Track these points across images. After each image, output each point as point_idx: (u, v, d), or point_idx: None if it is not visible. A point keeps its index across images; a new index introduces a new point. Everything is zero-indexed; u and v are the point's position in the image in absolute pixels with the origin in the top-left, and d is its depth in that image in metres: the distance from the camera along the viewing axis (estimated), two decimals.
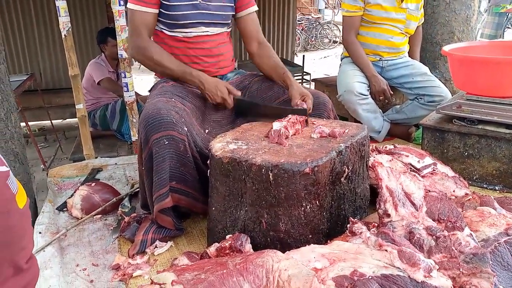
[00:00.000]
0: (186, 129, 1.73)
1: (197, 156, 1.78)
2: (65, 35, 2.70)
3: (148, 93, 2.16)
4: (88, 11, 5.45)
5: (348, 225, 1.39)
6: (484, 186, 2.19)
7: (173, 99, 1.82)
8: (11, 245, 0.97)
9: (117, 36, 2.76)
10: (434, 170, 1.87)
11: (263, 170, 1.45)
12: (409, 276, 1.12)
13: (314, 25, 12.58)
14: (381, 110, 2.93)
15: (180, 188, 1.74)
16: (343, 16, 2.96)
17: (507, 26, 10.60)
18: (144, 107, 1.81)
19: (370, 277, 1.12)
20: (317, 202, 1.49)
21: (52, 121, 4.84)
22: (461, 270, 1.19)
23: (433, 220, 1.38)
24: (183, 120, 1.74)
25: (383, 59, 2.95)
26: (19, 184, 1.00)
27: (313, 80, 4.13)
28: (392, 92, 2.83)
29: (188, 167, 1.74)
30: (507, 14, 9.84)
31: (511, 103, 2.08)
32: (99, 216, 2.03)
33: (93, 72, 3.99)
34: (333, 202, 1.56)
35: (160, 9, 1.95)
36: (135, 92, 2.99)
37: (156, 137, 1.68)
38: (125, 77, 2.84)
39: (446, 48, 2.35)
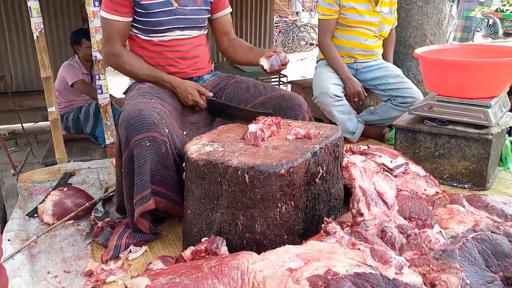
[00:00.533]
0: (167, 130, 1.72)
1: (177, 158, 1.77)
2: (37, 36, 2.64)
3: (123, 95, 2.14)
4: (61, 11, 5.34)
5: (323, 225, 1.41)
6: (454, 184, 2.25)
7: (153, 100, 1.82)
8: None
9: (91, 38, 2.72)
10: (406, 169, 1.91)
11: (239, 172, 1.45)
12: (381, 274, 1.14)
13: (291, 27, 12.67)
14: (355, 112, 2.98)
15: (161, 191, 1.72)
16: (318, 19, 2.99)
17: (476, 29, 10.96)
18: (124, 108, 1.79)
19: (343, 276, 1.13)
20: (293, 203, 1.50)
21: (23, 124, 4.71)
22: (431, 266, 1.22)
23: (405, 218, 1.41)
24: (164, 122, 1.73)
25: (357, 61, 3.00)
26: None
27: (289, 82, 4.16)
28: (366, 94, 2.88)
29: (169, 169, 1.73)
30: (477, 17, 10.15)
31: (479, 104, 2.14)
32: (72, 221, 1.99)
33: (66, 74, 3.90)
34: (308, 203, 1.58)
35: (135, 16, 1.94)
36: (110, 94, 2.94)
37: (138, 139, 1.66)
38: (99, 79, 2.80)
39: (418, 50, 2.41)
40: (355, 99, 2.85)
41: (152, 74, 1.97)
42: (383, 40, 3.08)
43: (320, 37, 2.98)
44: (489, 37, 10.97)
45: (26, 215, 2.06)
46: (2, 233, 1.81)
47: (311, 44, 12.77)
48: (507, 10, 10.94)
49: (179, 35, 2.00)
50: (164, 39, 1.98)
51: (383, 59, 3.12)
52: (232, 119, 1.95)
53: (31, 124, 5.42)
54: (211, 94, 2.01)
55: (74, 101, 3.99)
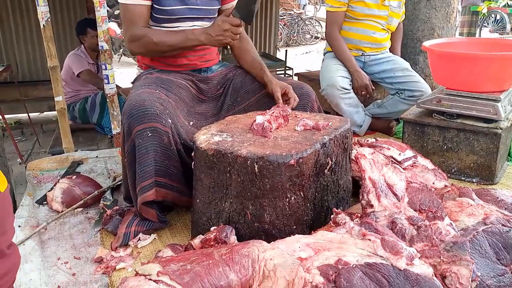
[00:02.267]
0: (170, 121, 1.72)
1: (181, 149, 1.77)
2: (43, 25, 2.64)
3: (131, 85, 2.14)
4: (67, 1, 5.33)
5: (332, 216, 1.41)
6: (462, 178, 2.25)
7: (157, 91, 1.81)
8: None
9: (97, 27, 2.71)
10: (414, 162, 1.91)
11: (249, 161, 1.45)
12: (392, 264, 1.14)
13: (296, 20, 12.61)
14: (362, 105, 2.97)
15: (166, 183, 1.73)
16: (327, 11, 2.97)
17: (484, 25, 10.89)
18: (128, 98, 1.79)
19: (354, 266, 1.13)
20: (302, 193, 1.50)
21: (29, 114, 4.72)
22: (441, 258, 1.22)
23: (415, 210, 1.41)
24: (168, 112, 1.73)
25: (365, 54, 2.98)
26: None
27: (296, 74, 4.15)
28: (374, 87, 2.87)
29: (173, 160, 1.73)
30: (483, 12, 10.08)
31: (489, 98, 2.13)
32: (81, 209, 2.00)
33: (72, 64, 3.91)
34: (316, 194, 1.58)
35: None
36: (116, 84, 2.95)
37: (139, 129, 1.67)
38: (105, 69, 2.80)
39: (426, 43, 2.39)
40: (363, 92, 2.84)
41: (182, 36, 1.86)
42: (391, 33, 3.06)
43: (328, 29, 2.96)
44: (496, 32, 10.90)
45: (36, 202, 2.07)
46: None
47: (316, 38, 12.71)
48: None
49: (190, 26, 1.97)
50: (175, 30, 1.96)
51: (390, 52, 3.10)
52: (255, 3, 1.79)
53: (37, 114, 5.43)
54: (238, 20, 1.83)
55: (80, 91, 4.00)
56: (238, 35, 1.83)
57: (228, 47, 2.24)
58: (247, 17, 1.84)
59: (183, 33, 1.88)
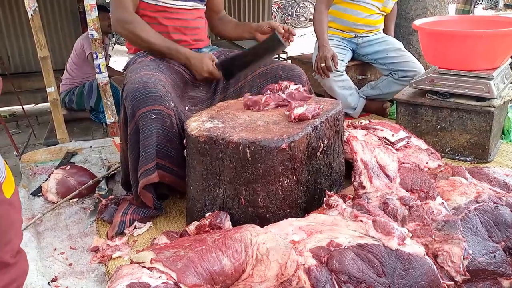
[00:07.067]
0: (172, 104, 1.72)
1: (182, 132, 1.77)
2: (31, 15, 2.61)
3: (123, 72, 2.12)
4: None
5: (325, 198, 1.42)
6: (456, 157, 2.25)
7: (157, 73, 1.80)
8: None
9: (86, 15, 2.69)
10: (408, 143, 1.91)
11: (240, 147, 1.45)
12: (383, 245, 1.15)
13: (290, 3, 12.47)
14: (356, 87, 2.95)
15: (165, 165, 1.72)
16: None
17: (477, 2, 10.79)
18: (129, 80, 1.76)
19: (346, 247, 1.14)
20: (294, 177, 1.51)
21: (24, 106, 4.69)
22: (433, 237, 1.23)
23: (407, 190, 1.41)
24: (170, 95, 1.73)
25: (358, 35, 2.95)
26: (8, 171, 0.93)
27: (289, 57, 4.12)
28: (336, 64, 2.66)
29: (174, 143, 1.73)
30: None
31: (481, 76, 2.12)
32: (76, 199, 2.00)
33: (85, 43, 3.84)
34: (309, 177, 1.58)
35: None
36: (110, 67, 2.92)
37: (144, 111, 1.66)
38: (97, 58, 2.78)
39: (417, 22, 2.37)
40: (322, 65, 2.65)
41: (167, 44, 1.92)
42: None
43: (318, 2, 2.86)
44: (490, 9, 10.82)
45: (31, 194, 2.07)
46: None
47: (311, 20, 12.58)
48: None
49: (182, 5, 1.98)
50: (169, 5, 1.95)
51: (384, 32, 3.07)
52: (246, 68, 1.98)
53: (32, 105, 5.40)
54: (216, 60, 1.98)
55: (90, 74, 3.95)
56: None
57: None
58: (226, 74, 2.00)
59: (169, 43, 1.93)
